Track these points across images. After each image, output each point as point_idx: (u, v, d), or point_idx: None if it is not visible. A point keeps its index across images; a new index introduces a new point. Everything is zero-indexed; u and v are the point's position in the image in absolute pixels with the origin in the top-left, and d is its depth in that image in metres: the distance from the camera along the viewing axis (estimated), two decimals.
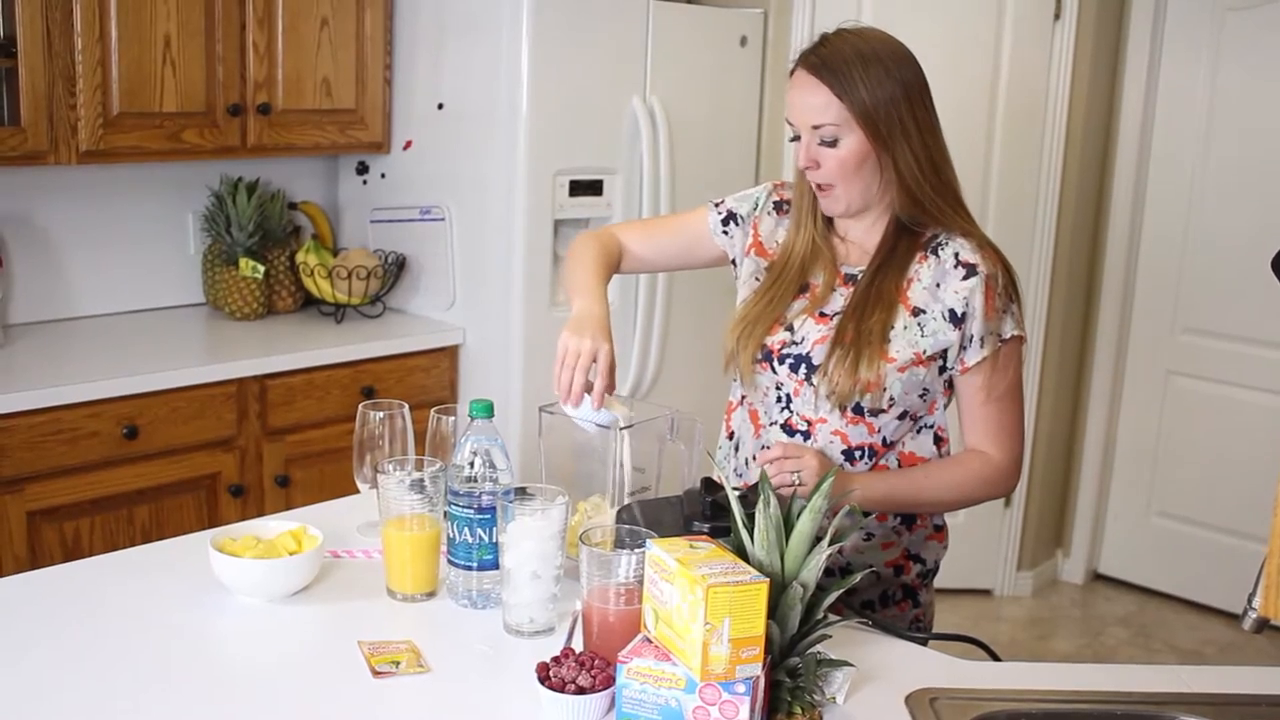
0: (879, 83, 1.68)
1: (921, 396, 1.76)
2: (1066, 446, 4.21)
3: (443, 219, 3.34)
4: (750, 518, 1.35)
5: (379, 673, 1.43)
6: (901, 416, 1.76)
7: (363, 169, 3.54)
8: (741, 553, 1.34)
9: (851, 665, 1.40)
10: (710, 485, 1.56)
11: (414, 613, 1.61)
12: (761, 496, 1.33)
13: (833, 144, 1.70)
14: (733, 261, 1.94)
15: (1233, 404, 3.92)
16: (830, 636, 1.37)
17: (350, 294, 3.30)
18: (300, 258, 3.35)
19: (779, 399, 1.81)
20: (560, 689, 1.30)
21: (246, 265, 3.22)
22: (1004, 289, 1.74)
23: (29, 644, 1.48)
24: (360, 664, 1.45)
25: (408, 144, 3.41)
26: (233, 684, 1.41)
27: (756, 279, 1.87)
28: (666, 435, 1.75)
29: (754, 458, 1.85)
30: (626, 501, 1.68)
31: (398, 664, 1.45)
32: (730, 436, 1.93)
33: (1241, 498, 3.88)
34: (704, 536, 1.38)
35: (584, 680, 1.31)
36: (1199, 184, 3.90)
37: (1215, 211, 3.88)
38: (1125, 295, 4.08)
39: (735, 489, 1.41)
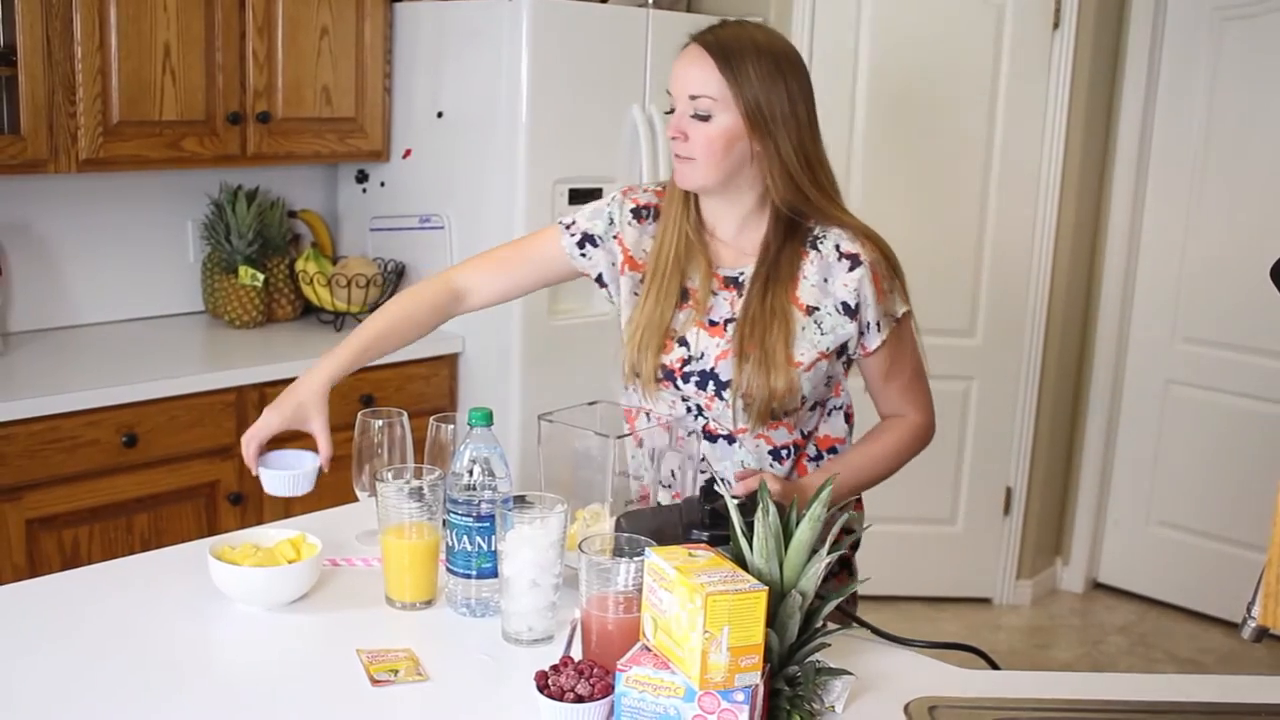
0: (769, 74, 1.72)
1: (827, 384, 1.83)
2: (1066, 455, 4.21)
3: (442, 227, 3.35)
4: (749, 526, 1.35)
5: (378, 681, 1.43)
6: (813, 408, 1.83)
7: (362, 177, 3.54)
8: (740, 561, 1.34)
9: (851, 674, 1.40)
10: (709, 493, 1.55)
11: (413, 621, 1.61)
12: (760, 505, 1.33)
13: (705, 118, 1.74)
14: (598, 280, 1.93)
15: (1232, 413, 3.92)
16: (829, 645, 1.37)
17: (350, 302, 3.30)
18: (300, 266, 3.35)
19: (689, 409, 1.83)
20: (559, 697, 1.30)
21: (246, 273, 3.23)
22: (888, 271, 1.81)
23: (27, 653, 1.47)
24: (359, 672, 1.45)
25: (407, 152, 3.41)
26: (231, 692, 1.41)
27: (636, 293, 1.88)
28: (665, 444, 1.75)
29: (694, 471, 1.83)
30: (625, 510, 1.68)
31: (396, 672, 1.45)
32: (640, 444, 1.85)
33: (1241, 506, 3.88)
34: (703, 545, 1.37)
35: (583, 689, 1.30)
36: (1198, 192, 3.90)
37: (1214, 220, 3.88)
38: (1124, 304, 4.08)
39: (734, 497, 1.41)
